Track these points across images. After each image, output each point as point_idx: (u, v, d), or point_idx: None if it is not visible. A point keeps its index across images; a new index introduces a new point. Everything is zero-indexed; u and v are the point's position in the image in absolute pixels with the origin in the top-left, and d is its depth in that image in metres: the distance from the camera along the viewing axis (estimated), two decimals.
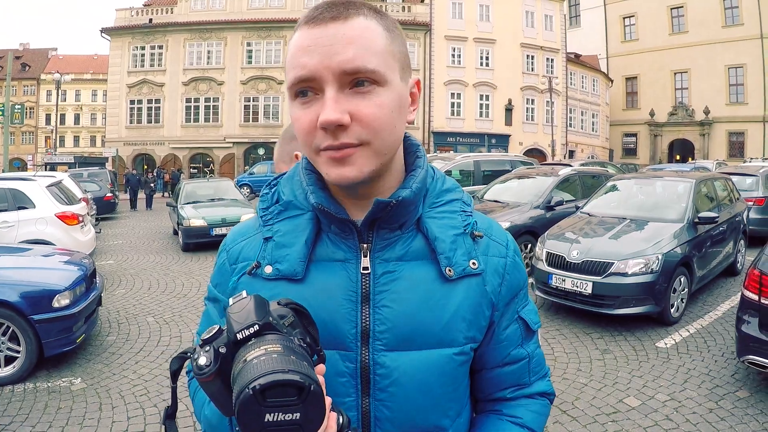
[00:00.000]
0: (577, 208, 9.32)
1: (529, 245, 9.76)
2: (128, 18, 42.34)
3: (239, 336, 0.77)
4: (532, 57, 43.88)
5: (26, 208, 9.45)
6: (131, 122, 41.41)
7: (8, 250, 7.01)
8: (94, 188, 20.40)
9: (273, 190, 1.12)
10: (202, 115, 41.00)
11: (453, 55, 42.18)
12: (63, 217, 9.58)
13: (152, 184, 26.18)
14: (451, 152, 26.56)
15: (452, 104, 42.56)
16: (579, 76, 48.17)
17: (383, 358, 0.99)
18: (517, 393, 1.14)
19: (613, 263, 6.78)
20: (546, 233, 8.21)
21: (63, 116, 46.28)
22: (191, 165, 41.25)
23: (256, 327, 0.77)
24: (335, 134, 0.90)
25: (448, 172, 14.48)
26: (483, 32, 42.14)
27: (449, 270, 1.02)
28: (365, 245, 1.02)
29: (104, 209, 20.38)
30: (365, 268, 1.01)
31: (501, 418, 1.13)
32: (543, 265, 7.56)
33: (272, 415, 0.67)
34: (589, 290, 6.85)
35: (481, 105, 42.95)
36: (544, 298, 7.72)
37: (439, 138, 41.83)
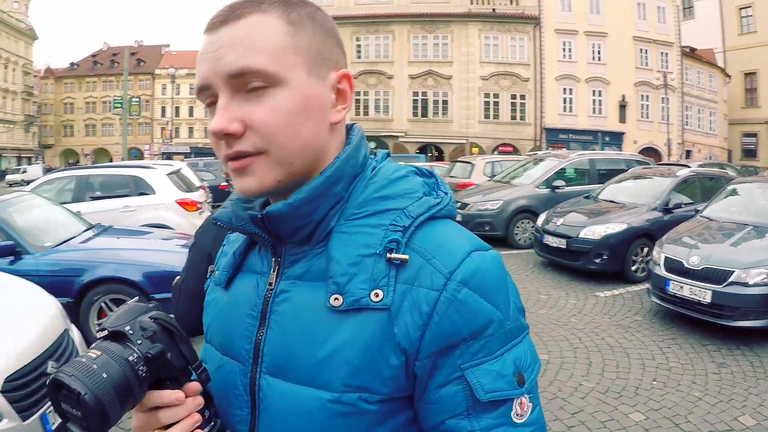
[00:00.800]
0: (697, 211, 8.88)
1: (646, 249, 9.43)
2: None
3: (97, 335, 0.87)
4: (646, 51, 42.06)
5: (147, 194, 10.02)
6: None
7: (130, 233, 7.50)
8: (209, 177, 21.22)
9: None
10: (431, 109, 42.14)
11: (563, 50, 41.21)
12: (183, 204, 10.08)
13: None
14: (564, 149, 25.89)
15: (564, 100, 41.62)
16: (694, 71, 45.69)
17: (264, 381, 0.90)
18: None
19: (733, 272, 6.39)
20: (664, 237, 7.86)
21: (177, 109, 48.77)
22: None
23: (105, 332, 0.85)
24: (229, 143, 0.84)
25: (562, 171, 14.18)
26: (593, 25, 40.85)
27: (336, 298, 0.83)
28: (274, 259, 0.94)
29: (219, 197, 21.23)
30: (270, 284, 0.93)
31: None
32: (661, 270, 7.24)
33: (65, 405, 0.79)
34: (707, 299, 6.48)
35: (593, 101, 41.77)
36: (659, 304, 7.40)
37: (551, 134, 40.96)
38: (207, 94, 0.86)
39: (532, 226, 12.05)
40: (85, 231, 6.99)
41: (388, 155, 1.02)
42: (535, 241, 11.19)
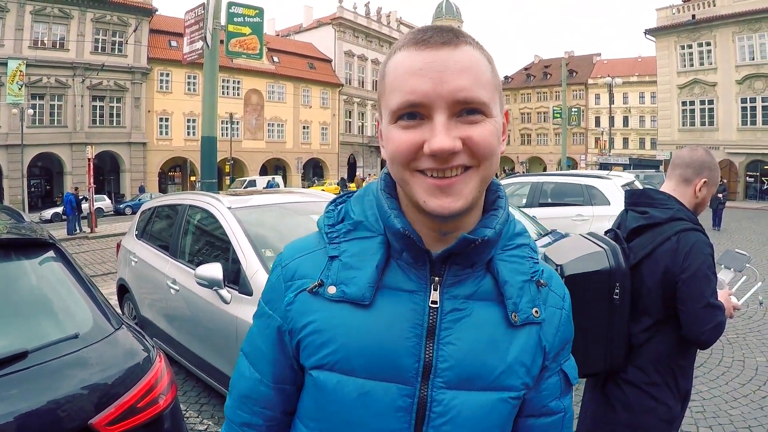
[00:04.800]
0: None
1: None
2: (670, 17, 41.74)
3: None
4: None
5: (601, 205, 9.88)
6: (683, 125, 40.46)
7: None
8: None
9: (339, 207, 1.09)
10: (760, 117, 36.91)
11: None
12: None
13: (720, 195, 20.61)
14: None
15: None
16: None
17: (442, 395, 0.96)
18: None
19: None
20: None
21: (612, 119, 48.16)
22: (747, 173, 37.90)
23: None
24: (447, 159, 0.87)
25: None
26: None
27: (515, 315, 0.99)
28: (436, 278, 0.98)
29: None
30: (434, 302, 0.97)
31: None
32: None
33: None
34: None
35: None
36: None
37: None
38: (416, 108, 0.88)
39: None
40: (543, 236, 7.16)
41: None
42: None
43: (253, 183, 33.53)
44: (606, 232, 2.59)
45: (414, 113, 0.88)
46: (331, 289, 0.99)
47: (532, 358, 1.01)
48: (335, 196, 1.16)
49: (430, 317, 0.96)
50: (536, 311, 1.01)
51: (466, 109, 0.87)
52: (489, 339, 0.97)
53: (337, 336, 0.97)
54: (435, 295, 0.97)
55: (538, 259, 1.07)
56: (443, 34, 0.89)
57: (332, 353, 0.97)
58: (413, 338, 0.96)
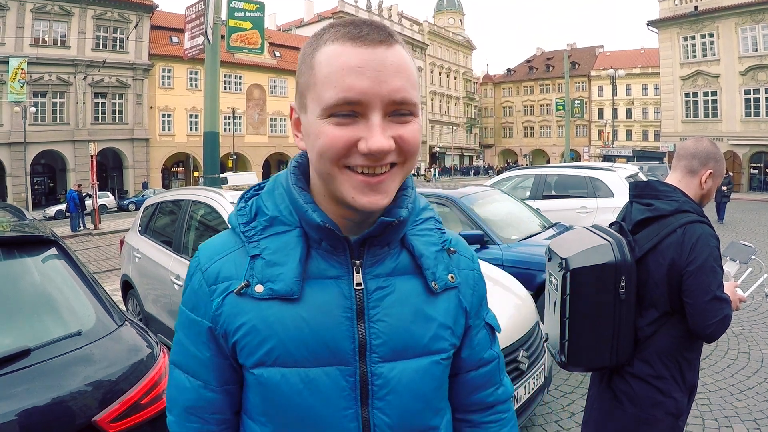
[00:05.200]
0: None
1: None
2: (673, 8, 41.26)
3: None
4: None
5: (605, 197, 9.85)
6: (687, 116, 40.13)
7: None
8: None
9: (250, 202, 1.09)
10: (763, 109, 36.60)
11: None
12: None
13: (724, 188, 19.18)
14: None
15: None
16: None
17: (380, 369, 1.01)
18: (492, 399, 1.21)
19: None
20: None
21: (615, 110, 47.87)
22: (751, 165, 37.57)
23: None
24: (382, 157, 0.90)
25: None
26: None
27: (434, 284, 1.06)
28: (357, 261, 1.02)
29: None
30: (358, 284, 1.02)
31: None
32: None
33: None
34: None
35: None
36: None
37: None
38: (352, 106, 0.88)
39: None
40: (547, 228, 7.12)
41: None
42: None
43: (224, 181, 32.96)
44: (610, 225, 2.56)
45: (347, 112, 0.89)
46: (259, 288, 0.99)
47: (454, 320, 1.10)
48: (243, 191, 1.14)
49: (358, 299, 1.01)
50: (452, 277, 1.11)
51: (397, 110, 0.91)
52: (414, 310, 1.05)
53: (274, 333, 0.98)
54: (358, 278, 1.02)
55: (444, 229, 1.16)
56: (379, 32, 0.90)
57: (271, 350, 0.98)
58: (345, 322, 1.00)
